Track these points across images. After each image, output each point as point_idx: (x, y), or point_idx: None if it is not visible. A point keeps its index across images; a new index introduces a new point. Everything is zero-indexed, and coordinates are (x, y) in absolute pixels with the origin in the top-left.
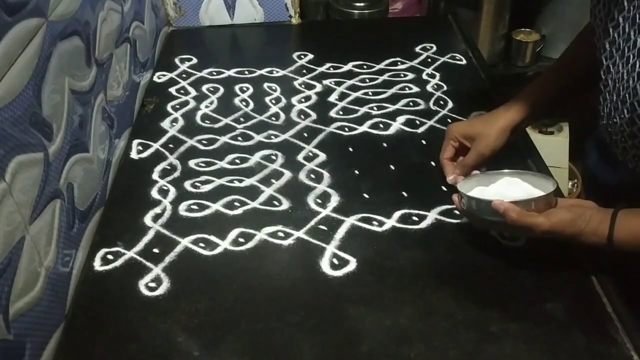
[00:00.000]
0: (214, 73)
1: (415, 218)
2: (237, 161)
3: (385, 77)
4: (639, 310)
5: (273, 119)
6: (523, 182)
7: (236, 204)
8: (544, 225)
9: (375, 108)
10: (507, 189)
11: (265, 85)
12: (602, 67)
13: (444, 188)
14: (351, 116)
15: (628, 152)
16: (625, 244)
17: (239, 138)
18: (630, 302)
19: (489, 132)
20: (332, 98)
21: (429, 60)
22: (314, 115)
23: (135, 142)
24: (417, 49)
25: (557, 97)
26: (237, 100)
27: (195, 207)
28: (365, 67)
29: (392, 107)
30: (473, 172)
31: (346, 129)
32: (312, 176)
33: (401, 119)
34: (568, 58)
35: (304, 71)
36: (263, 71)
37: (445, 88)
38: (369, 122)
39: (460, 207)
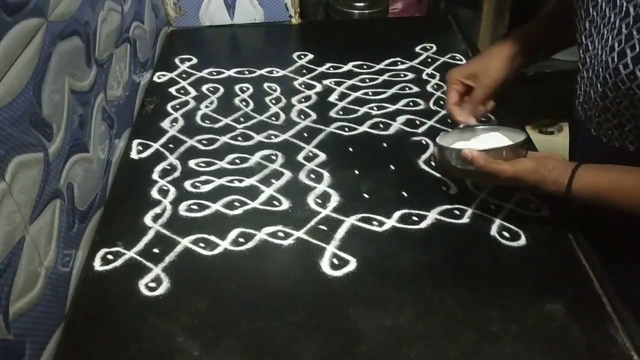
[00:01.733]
0: (214, 73)
1: (415, 218)
2: (237, 161)
3: (385, 77)
4: (636, 307)
5: (273, 119)
6: (502, 136)
7: (236, 204)
8: (508, 172)
9: (375, 108)
10: (484, 142)
11: (265, 85)
12: (581, 46)
13: (444, 188)
14: (351, 116)
15: (602, 126)
16: (581, 194)
17: (239, 138)
18: (606, 263)
19: (489, 64)
20: (332, 98)
21: (429, 60)
22: (314, 115)
23: (135, 142)
24: (417, 49)
25: (544, 43)
26: (237, 100)
27: (195, 207)
28: (365, 67)
29: (392, 107)
30: (459, 127)
31: (346, 129)
32: (312, 176)
33: (401, 119)
34: (550, 15)
35: (304, 71)
36: (263, 71)
37: (445, 88)
38: (369, 122)
39: (439, 159)
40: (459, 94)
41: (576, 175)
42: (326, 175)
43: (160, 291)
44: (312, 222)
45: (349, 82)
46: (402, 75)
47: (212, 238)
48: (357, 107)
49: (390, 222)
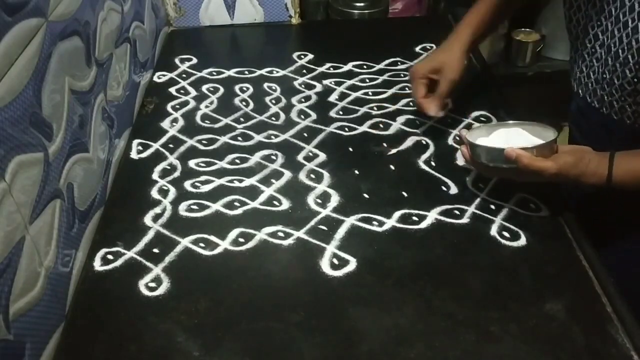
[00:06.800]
0: (214, 73)
1: (415, 218)
2: (237, 161)
3: (385, 77)
4: (636, 306)
5: (273, 119)
6: (523, 131)
7: (236, 204)
8: (552, 169)
9: (375, 108)
10: (509, 138)
11: (265, 85)
12: (585, 36)
13: (444, 188)
14: (351, 116)
15: (626, 110)
16: (622, 181)
17: (239, 138)
18: (596, 245)
19: (452, 59)
20: (332, 98)
21: None
22: (314, 115)
23: (135, 142)
24: (417, 49)
25: (494, 20)
26: (237, 100)
27: (195, 207)
28: (365, 67)
29: (392, 107)
30: (474, 124)
31: (346, 129)
32: (312, 176)
33: (401, 119)
34: None
35: (304, 71)
36: (263, 71)
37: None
38: (369, 122)
39: (470, 159)
40: (426, 87)
41: (614, 164)
42: (326, 175)
43: (160, 291)
44: (312, 222)
45: (349, 82)
46: (402, 75)
47: (212, 238)
48: (357, 107)
49: (390, 222)
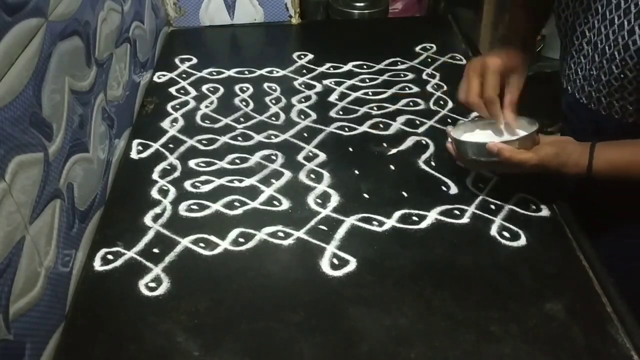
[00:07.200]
0: (214, 73)
1: (415, 218)
2: (237, 161)
3: (385, 77)
4: (636, 306)
5: (273, 119)
6: (507, 124)
7: (236, 204)
8: (533, 160)
9: (375, 108)
10: (493, 133)
11: (265, 85)
12: (573, 33)
13: (444, 188)
14: (351, 116)
15: (614, 105)
16: (601, 172)
17: (239, 138)
18: (591, 232)
19: (521, 64)
20: (332, 98)
21: (429, 60)
22: (314, 115)
23: (135, 142)
24: (417, 49)
25: (534, 27)
26: (237, 100)
27: (195, 207)
28: (365, 67)
29: (392, 107)
30: (459, 120)
31: (346, 129)
32: (312, 176)
33: (401, 119)
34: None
35: (304, 71)
36: (263, 71)
37: (445, 88)
38: (369, 122)
39: (455, 154)
40: (480, 86)
41: (595, 155)
42: (326, 175)
43: (160, 291)
44: (312, 222)
45: (349, 82)
46: (402, 75)
47: (212, 238)
48: (357, 107)
49: (390, 222)
